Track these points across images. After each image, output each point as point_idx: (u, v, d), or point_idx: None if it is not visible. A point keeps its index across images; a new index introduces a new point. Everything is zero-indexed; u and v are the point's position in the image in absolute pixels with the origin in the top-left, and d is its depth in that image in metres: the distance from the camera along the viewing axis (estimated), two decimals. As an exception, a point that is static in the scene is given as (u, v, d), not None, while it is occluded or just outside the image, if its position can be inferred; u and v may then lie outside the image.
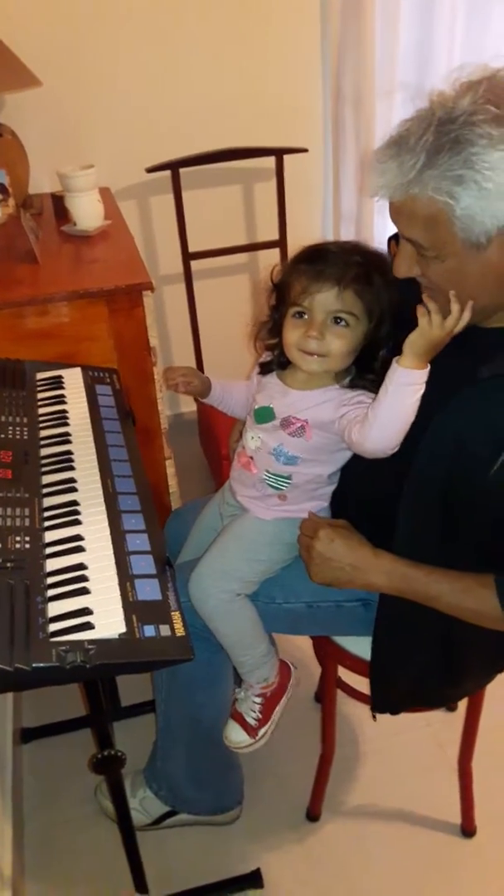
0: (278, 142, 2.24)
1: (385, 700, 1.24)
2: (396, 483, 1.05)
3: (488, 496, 0.98)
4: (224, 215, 2.45)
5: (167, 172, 2.14)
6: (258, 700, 1.26)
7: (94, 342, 1.56)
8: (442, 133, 0.87)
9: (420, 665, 1.18)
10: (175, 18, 2.13)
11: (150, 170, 2.14)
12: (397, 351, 1.01)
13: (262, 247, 2.40)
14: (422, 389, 1.00)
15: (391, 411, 1.02)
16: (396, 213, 0.96)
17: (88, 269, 1.68)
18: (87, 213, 1.83)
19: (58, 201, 1.92)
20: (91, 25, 2.07)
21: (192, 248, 2.25)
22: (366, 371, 1.13)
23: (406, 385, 1.00)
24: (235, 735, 1.27)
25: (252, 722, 1.26)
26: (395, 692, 1.24)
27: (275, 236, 2.36)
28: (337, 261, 1.08)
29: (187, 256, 2.25)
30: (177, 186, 2.16)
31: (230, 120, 2.28)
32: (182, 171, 2.15)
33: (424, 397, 1.01)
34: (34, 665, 0.83)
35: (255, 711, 1.26)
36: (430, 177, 0.88)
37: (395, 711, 1.26)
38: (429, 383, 1.00)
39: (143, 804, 1.48)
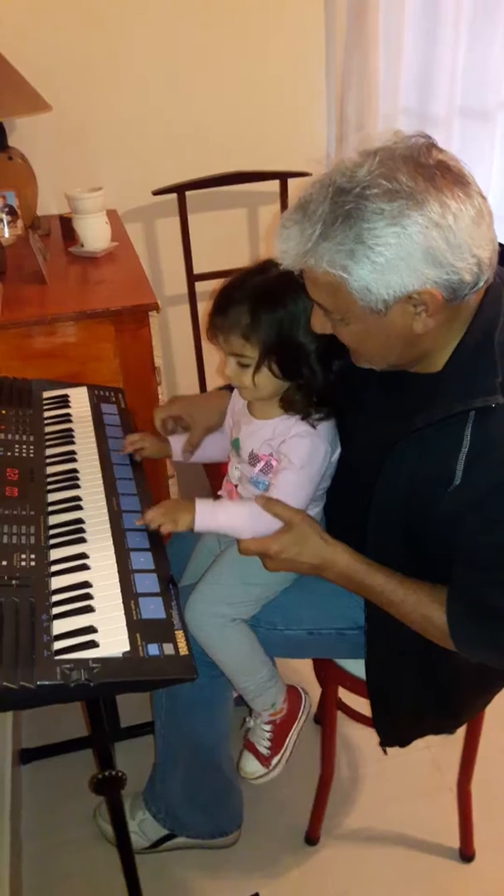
0: (282, 166, 2.27)
1: (390, 731, 1.24)
2: (363, 517, 1.07)
3: (441, 529, 0.99)
4: (229, 237, 2.47)
5: (173, 195, 2.17)
6: (268, 728, 1.26)
7: (100, 362, 1.57)
8: (337, 204, 0.87)
9: (413, 689, 1.18)
10: (181, 45, 2.17)
11: (157, 192, 2.17)
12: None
13: (265, 269, 2.41)
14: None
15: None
16: (303, 276, 0.97)
17: (95, 290, 1.69)
18: (95, 234, 1.85)
19: (65, 223, 1.95)
20: (100, 51, 2.11)
21: (196, 270, 2.26)
22: (307, 394, 1.13)
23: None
24: (249, 766, 1.26)
25: (264, 751, 1.26)
26: (396, 721, 1.23)
27: (278, 259, 2.38)
28: (222, 308, 1.10)
29: (192, 278, 2.27)
30: (182, 209, 2.18)
31: (235, 144, 2.32)
32: (188, 193, 2.18)
33: (369, 442, 1.05)
34: (39, 683, 0.83)
35: (265, 740, 1.26)
36: (324, 249, 0.88)
37: (403, 743, 1.26)
38: (372, 428, 1.05)
39: (142, 827, 1.47)
